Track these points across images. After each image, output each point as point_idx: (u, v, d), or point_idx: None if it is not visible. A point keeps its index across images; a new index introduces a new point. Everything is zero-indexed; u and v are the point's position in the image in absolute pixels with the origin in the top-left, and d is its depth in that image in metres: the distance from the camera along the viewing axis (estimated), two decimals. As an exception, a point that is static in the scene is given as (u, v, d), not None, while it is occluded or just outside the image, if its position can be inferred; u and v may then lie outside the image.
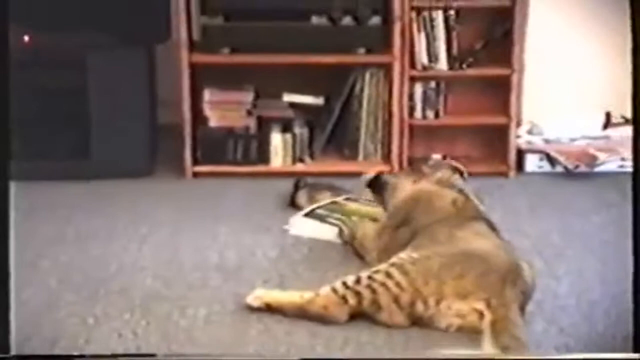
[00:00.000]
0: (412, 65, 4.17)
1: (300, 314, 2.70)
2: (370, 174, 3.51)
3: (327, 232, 3.46)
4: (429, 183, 3.21)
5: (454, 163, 3.33)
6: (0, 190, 2.02)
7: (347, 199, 3.71)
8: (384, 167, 4.06)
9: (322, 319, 2.68)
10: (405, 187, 3.25)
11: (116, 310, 2.81)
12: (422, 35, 4.16)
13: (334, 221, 3.50)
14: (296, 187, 3.85)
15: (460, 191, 3.12)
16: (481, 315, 2.57)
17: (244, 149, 4.25)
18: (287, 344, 2.61)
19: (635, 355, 1.49)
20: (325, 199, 3.71)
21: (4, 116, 2.12)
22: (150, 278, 3.07)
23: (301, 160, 4.26)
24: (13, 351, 2.02)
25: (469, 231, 2.91)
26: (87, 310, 2.80)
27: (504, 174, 4.27)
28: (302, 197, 3.77)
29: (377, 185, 3.40)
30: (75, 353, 2.53)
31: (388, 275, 2.69)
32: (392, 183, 3.34)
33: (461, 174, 3.28)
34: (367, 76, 4.21)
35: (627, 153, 4.25)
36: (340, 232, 3.40)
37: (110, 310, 2.81)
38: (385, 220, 3.25)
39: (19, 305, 2.29)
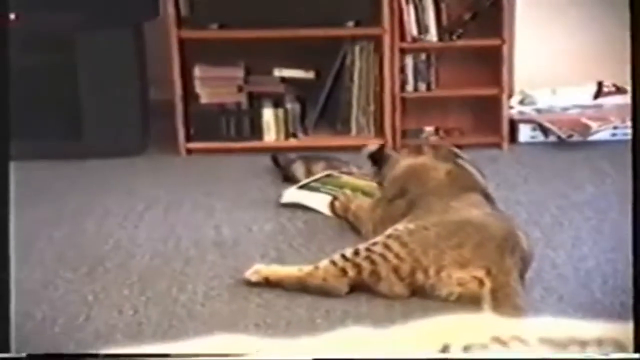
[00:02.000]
0: (402, 37, 4.16)
1: (300, 287, 2.71)
2: (374, 146, 3.51)
3: (319, 200, 3.46)
4: (427, 157, 3.21)
5: (453, 149, 3.31)
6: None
7: (342, 172, 3.71)
8: (377, 141, 4.05)
9: (322, 291, 2.68)
10: (402, 160, 3.25)
11: (115, 287, 2.81)
12: (411, 6, 4.15)
13: (326, 192, 3.50)
14: (276, 162, 3.84)
15: (456, 163, 3.13)
16: (481, 283, 2.59)
17: (236, 125, 4.24)
18: (287, 317, 2.62)
19: (636, 355, 1.49)
20: (321, 169, 3.71)
21: (3, 97, 2.10)
22: (148, 255, 3.07)
23: (294, 135, 4.26)
24: (13, 340, 2.00)
25: (464, 202, 2.91)
26: (85, 288, 2.80)
27: (498, 145, 4.28)
28: (298, 169, 3.76)
29: (378, 158, 3.39)
30: (77, 342, 2.52)
31: (386, 246, 2.70)
32: (393, 157, 3.34)
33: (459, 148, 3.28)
34: (357, 49, 4.20)
35: (620, 122, 4.27)
36: (332, 204, 3.39)
37: (108, 287, 2.81)
38: (381, 192, 3.25)
39: (16, 284, 2.28)
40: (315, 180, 3.62)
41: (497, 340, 1.42)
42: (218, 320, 2.61)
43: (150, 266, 2.98)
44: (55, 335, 2.52)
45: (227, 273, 2.89)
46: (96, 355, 1.65)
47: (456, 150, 3.27)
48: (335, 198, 3.41)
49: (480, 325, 1.50)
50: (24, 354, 1.90)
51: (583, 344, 1.44)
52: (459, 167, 3.12)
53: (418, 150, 3.33)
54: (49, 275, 2.90)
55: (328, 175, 3.67)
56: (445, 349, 1.42)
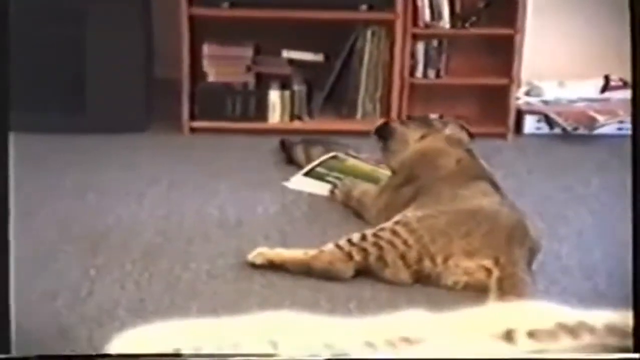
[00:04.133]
0: (415, 22, 4.14)
1: (305, 270, 2.69)
2: (380, 121, 3.49)
3: (324, 189, 3.46)
4: (437, 140, 3.18)
5: (462, 123, 3.30)
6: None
7: (348, 154, 3.69)
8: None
9: (327, 274, 2.67)
10: (412, 141, 3.22)
11: (117, 263, 2.79)
12: (425, -9, 4.13)
13: (331, 180, 3.49)
14: (283, 146, 3.83)
15: (468, 150, 3.11)
16: (489, 272, 2.57)
17: (242, 105, 4.21)
18: (290, 298, 2.61)
19: (636, 355, 1.49)
20: (319, 155, 3.69)
21: (3, 67, 2.08)
22: (151, 232, 3.05)
23: (299, 118, 4.24)
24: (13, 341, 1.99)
25: (473, 190, 2.90)
26: (88, 262, 2.79)
27: (503, 135, 4.26)
28: (299, 153, 3.75)
29: (384, 132, 3.33)
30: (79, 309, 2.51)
31: (394, 232, 2.68)
32: (400, 131, 3.29)
33: (470, 134, 3.25)
34: (369, 34, 4.17)
35: (626, 116, 4.25)
36: (332, 192, 3.38)
37: (111, 262, 2.80)
38: (388, 178, 3.24)
39: (16, 255, 2.26)
40: (321, 164, 3.60)
41: (563, 326, 1.40)
42: (221, 299, 2.60)
43: (153, 243, 2.97)
44: (57, 308, 2.51)
45: (230, 253, 2.88)
46: (106, 355, 1.64)
47: (464, 124, 3.24)
48: (335, 186, 3.40)
49: (544, 311, 1.49)
50: (28, 355, 1.88)
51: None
52: (469, 154, 3.10)
53: (427, 124, 3.30)
54: (52, 248, 2.88)
55: (333, 157, 3.65)
56: (508, 334, 1.40)
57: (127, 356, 1.77)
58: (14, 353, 1.88)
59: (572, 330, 1.41)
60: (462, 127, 3.25)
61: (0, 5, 2.00)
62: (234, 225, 3.15)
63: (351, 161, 3.65)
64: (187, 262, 2.82)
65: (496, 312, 1.56)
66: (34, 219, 3.09)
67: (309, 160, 3.69)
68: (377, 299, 2.62)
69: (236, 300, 2.59)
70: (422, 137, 3.22)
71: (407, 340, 1.41)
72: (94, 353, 2.24)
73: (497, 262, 2.58)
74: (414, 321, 1.47)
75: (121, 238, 2.99)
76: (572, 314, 1.46)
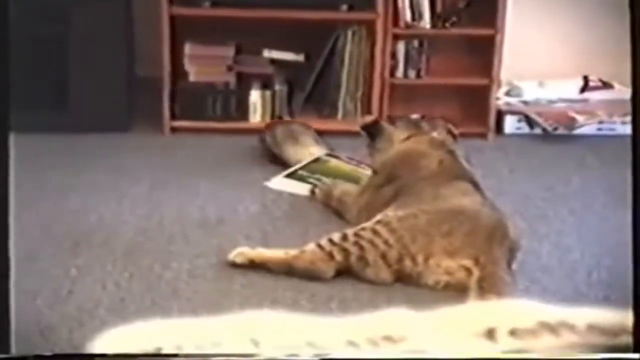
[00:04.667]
0: (395, 22, 4.15)
1: (287, 269, 2.69)
2: (369, 117, 3.49)
3: (306, 189, 3.47)
4: (420, 141, 3.19)
5: (449, 126, 3.30)
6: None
7: (329, 155, 3.70)
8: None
9: (308, 274, 2.67)
10: (396, 141, 3.23)
11: (98, 262, 2.79)
12: (406, -9, 4.14)
13: (312, 181, 3.50)
14: (262, 143, 3.82)
15: (449, 152, 3.12)
16: (469, 272, 2.58)
17: (223, 105, 4.21)
18: (271, 298, 2.60)
19: (636, 355, 1.50)
20: (304, 135, 3.69)
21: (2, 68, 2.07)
22: (132, 231, 3.05)
23: (280, 118, 4.24)
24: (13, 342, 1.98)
25: (454, 189, 2.91)
26: (69, 262, 2.78)
27: (483, 135, 4.27)
28: (288, 149, 3.74)
29: (373, 130, 3.34)
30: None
31: (375, 232, 2.69)
32: (387, 131, 3.31)
33: (454, 136, 3.26)
34: (350, 33, 4.18)
35: (605, 116, 4.28)
36: (312, 192, 3.39)
37: (92, 262, 2.79)
38: (369, 178, 3.24)
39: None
40: (303, 168, 3.61)
41: (544, 325, 1.41)
42: (202, 298, 2.60)
43: (134, 243, 2.96)
44: (37, 307, 2.50)
45: (211, 252, 2.88)
46: (104, 355, 1.63)
47: (450, 126, 3.25)
48: (315, 186, 3.40)
49: (526, 309, 1.50)
50: (26, 354, 1.88)
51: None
52: (451, 155, 3.11)
53: (415, 126, 3.31)
54: (33, 248, 2.87)
55: (316, 160, 3.66)
56: (490, 333, 1.40)
57: (128, 356, 1.77)
58: (13, 352, 1.88)
59: (553, 329, 1.42)
60: (449, 131, 3.26)
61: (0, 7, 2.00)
62: (215, 224, 3.15)
63: (333, 162, 3.66)
64: (168, 261, 2.82)
65: (478, 311, 1.57)
66: (16, 218, 3.07)
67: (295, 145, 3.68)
68: (358, 299, 2.62)
69: (217, 300, 2.59)
70: (407, 138, 3.23)
71: (389, 338, 1.41)
72: (86, 352, 2.24)
73: (477, 261, 2.59)
74: (396, 320, 1.47)
75: (102, 238, 2.98)
76: (553, 313, 1.47)
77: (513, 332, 1.40)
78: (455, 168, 3.06)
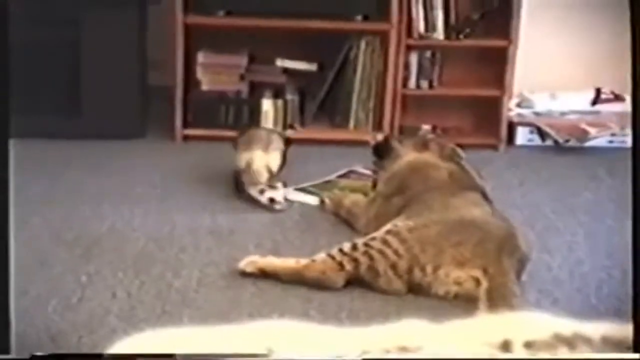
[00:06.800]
0: (409, 33, 4.15)
1: (297, 279, 2.70)
2: (380, 136, 3.48)
3: (316, 200, 3.49)
4: (430, 155, 3.20)
5: (457, 150, 3.28)
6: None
7: (340, 176, 3.71)
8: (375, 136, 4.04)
9: (319, 283, 2.68)
10: (405, 156, 3.24)
11: (109, 270, 2.80)
12: (420, 3, 4.13)
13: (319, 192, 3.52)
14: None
15: (458, 164, 3.12)
16: (478, 282, 2.59)
17: (235, 113, 4.22)
18: (280, 308, 2.61)
19: (636, 355, 1.49)
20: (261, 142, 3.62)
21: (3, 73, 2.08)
22: (143, 239, 3.05)
23: (291, 127, 4.24)
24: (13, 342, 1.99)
25: (463, 200, 2.91)
26: (80, 269, 2.79)
27: (494, 147, 4.27)
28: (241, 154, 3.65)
29: (383, 150, 3.35)
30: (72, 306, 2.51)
31: (385, 242, 2.69)
32: (396, 150, 3.31)
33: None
34: (363, 44, 4.19)
35: (617, 128, 4.27)
36: (322, 202, 3.40)
37: (103, 269, 2.80)
38: (378, 188, 3.25)
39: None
40: (313, 186, 3.62)
41: (560, 337, 1.40)
42: (212, 307, 2.61)
43: (145, 251, 2.97)
44: (48, 314, 2.51)
45: (222, 261, 2.89)
46: (100, 356, 1.64)
47: (458, 150, 3.25)
48: (324, 199, 3.42)
49: (540, 322, 1.49)
50: (26, 356, 1.88)
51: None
52: (461, 168, 3.11)
53: (424, 145, 3.31)
54: (44, 254, 2.89)
55: (327, 182, 3.67)
56: (505, 345, 1.40)
57: (129, 356, 1.77)
58: (13, 354, 1.88)
59: (569, 342, 1.42)
60: (454, 150, 3.24)
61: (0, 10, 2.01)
62: (226, 233, 3.15)
63: (343, 183, 3.66)
64: (178, 269, 2.83)
65: (493, 323, 1.56)
66: (28, 224, 3.09)
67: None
68: (368, 309, 2.62)
69: (227, 309, 2.59)
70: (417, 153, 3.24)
71: (404, 349, 1.41)
72: (84, 353, 2.25)
73: (485, 272, 2.59)
74: (410, 331, 1.47)
75: (114, 245, 3.00)
76: (568, 325, 1.46)
77: (528, 345, 1.40)
78: (465, 178, 3.07)
